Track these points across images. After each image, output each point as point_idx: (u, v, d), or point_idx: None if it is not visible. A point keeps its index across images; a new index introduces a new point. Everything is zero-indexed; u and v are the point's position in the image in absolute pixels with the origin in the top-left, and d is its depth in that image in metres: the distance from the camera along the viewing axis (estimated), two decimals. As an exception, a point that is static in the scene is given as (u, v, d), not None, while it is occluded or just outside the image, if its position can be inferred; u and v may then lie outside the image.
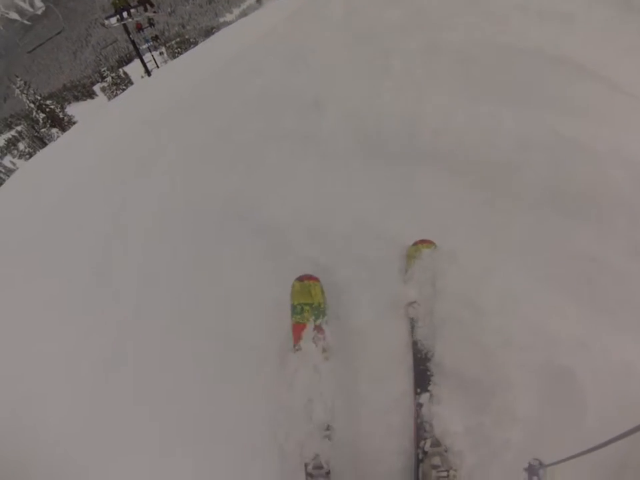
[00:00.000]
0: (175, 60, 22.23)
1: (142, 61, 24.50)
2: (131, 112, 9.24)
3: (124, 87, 49.01)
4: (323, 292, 2.53)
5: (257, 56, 5.74)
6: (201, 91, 6.31)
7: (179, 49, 57.22)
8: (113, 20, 23.13)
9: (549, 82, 3.24)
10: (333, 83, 4.07)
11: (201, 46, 18.44)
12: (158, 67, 25.52)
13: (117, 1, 22.55)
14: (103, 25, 24.24)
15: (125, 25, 23.34)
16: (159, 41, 27.32)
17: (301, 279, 2.54)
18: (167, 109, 6.75)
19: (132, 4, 22.94)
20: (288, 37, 5.58)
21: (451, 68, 3.64)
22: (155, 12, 24.07)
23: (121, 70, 66.28)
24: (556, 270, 2.32)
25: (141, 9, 23.16)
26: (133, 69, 62.62)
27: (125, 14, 22.79)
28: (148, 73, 23.13)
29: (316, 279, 2.55)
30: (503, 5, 4.10)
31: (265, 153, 3.69)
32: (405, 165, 3.04)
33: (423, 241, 2.54)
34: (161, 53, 31.24)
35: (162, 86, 10.72)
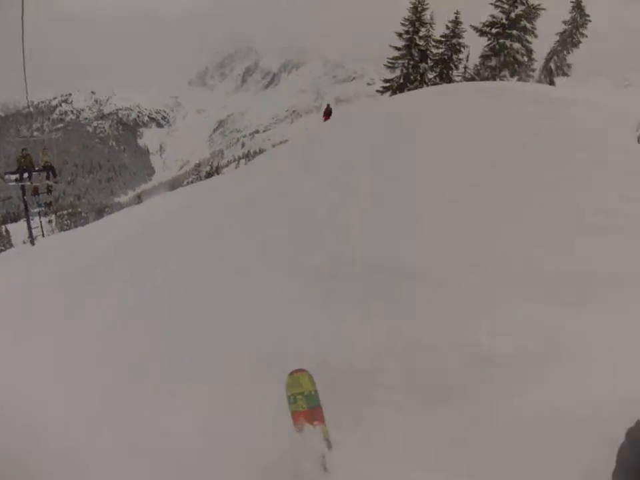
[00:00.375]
0: (61, 233, 22.27)
1: (29, 226, 23.54)
2: (2, 280, 9.25)
3: (2, 247, 47.11)
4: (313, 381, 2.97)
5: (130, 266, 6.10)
6: (77, 284, 6.49)
7: (68, 221, 57.25)
8: (13, 177, 22.46)
9: (397, 294, 3.81)
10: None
11: (91, 226, 18.93)
12: (43, 235, 25.29)
13: (22, 160, 22.01)
14: (2, 177, 23.53)
15: (22, 186, 22.94)
16: (51, 208, 27.21)
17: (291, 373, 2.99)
18: (41, 288, 6.93)
19: (36, 167, 22.49)
20: (168, 243, 6.05)
21: (315, 288, 4.13)
22: (56, 182, 23.94)
23: (3, 227, 63.95)
24: (426, 449, 2.72)
25: (43, 174, 22.71)
26: (17, 228, 60.78)
27: (25, 175, 22.32)
28: (32, 241, 22.34)
29: (304, 370, 3.01)
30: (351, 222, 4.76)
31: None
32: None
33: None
34: (50, 221, 30.74)
35: (40, 260, 10.90)
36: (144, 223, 8.61)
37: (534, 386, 2.87)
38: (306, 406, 2.89)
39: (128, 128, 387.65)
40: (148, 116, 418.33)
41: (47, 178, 22.99)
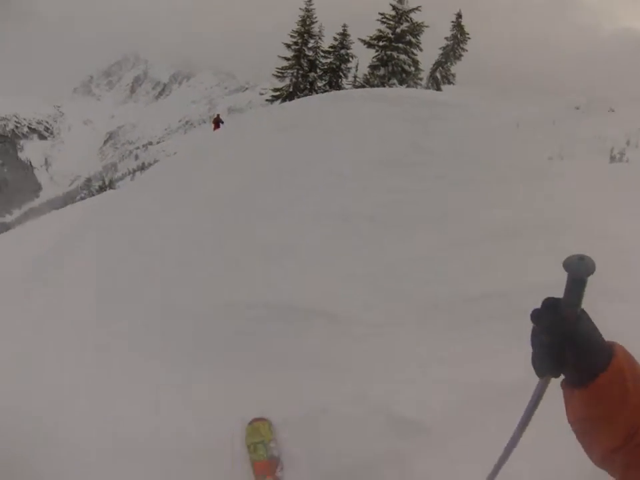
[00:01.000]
0: None
1: None
2: None
3: None
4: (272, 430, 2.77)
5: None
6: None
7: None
8: None
9: (286, 342, 3.35)
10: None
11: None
12: None
13: None
14: None
15: None
16: None
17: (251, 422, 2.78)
18: None
19: None
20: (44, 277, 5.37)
21: (186, 339, 3.62)
22: None
23: None
24: None
25: None
26: None
27: None
28: None
29: (264, 419, 2.79)
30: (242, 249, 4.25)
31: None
32: None
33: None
34: None
35: None
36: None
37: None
38: (266, 455, 2.75)
39: (6, 140, 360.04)
40: (28, 127, 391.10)
41: None
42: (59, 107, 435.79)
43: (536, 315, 1.02)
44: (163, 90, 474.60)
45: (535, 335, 1.05)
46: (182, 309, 3.85)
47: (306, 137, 6.13)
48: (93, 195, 37.36)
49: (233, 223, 4.73)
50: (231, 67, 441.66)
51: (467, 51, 30.15)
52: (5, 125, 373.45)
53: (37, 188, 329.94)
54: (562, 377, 1.05)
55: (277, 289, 3.71)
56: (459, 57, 30.25)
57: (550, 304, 1.01)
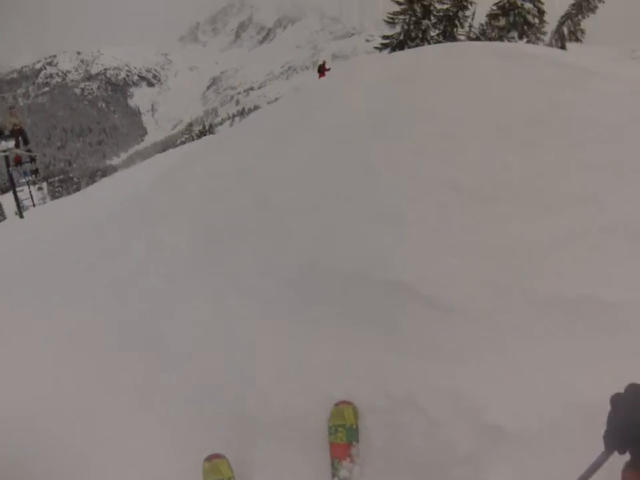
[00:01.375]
0: (50, 203, 21.22)
1: (16, 198, 21.04)
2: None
3: (-6, 221, 45.76)
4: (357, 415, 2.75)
5: (117, 237, 5.43)
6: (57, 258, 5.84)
7: (59, 187, 56.55)
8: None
9: (382, 317, 3.13)
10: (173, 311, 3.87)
11: (79, 195, 17.92)
12: (34, 204, 24.08)
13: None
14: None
15: (6, 157, 21.25)
16: (38, 175, 25.83)
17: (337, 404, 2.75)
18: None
19: (5, 132, 19.77)
20: (148, 211, 5.48)
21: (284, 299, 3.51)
22: (29, 150, 21.10)
23: (-6, 199, 62.78)
24: None
25: (11, 142, 19.88)
26: (9, 199, 58.79)
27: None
28: (20, 213, 20.48)
29: (350, 403, 2.75)
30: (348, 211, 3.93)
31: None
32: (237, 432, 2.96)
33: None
34: (40, 188, 29.35)
35: (27, 233, 10.14)
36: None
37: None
38: (345, 439, 2.72)
39: (117, 88, 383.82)
40: (138, 75, 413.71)
41: (17, 146, 20.18)
42: (166, 54, 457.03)
43: (615, 401, 1.11)
44: (267, 34, 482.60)
45: (611, 417, 1.13)
46: (273, 267, 3.74)
47: (419, 92, 5.35)
48: (193, 140, 38.40)
49: (337, 178, 4.30)
50: (337, 12, 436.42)
51: (603, 2, 24.80)
52: (117, 74, 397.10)
53: (143, 132, 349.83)
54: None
55: (382, 259, 3.37)
56: (593, 10, 25.30)
57: (632, 392, 1.08)
